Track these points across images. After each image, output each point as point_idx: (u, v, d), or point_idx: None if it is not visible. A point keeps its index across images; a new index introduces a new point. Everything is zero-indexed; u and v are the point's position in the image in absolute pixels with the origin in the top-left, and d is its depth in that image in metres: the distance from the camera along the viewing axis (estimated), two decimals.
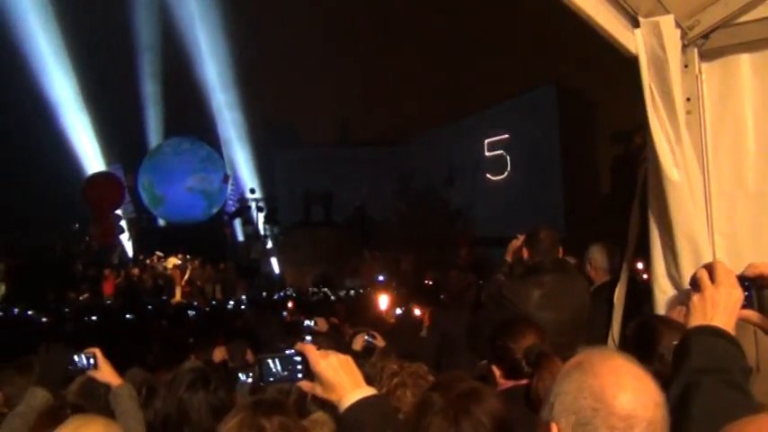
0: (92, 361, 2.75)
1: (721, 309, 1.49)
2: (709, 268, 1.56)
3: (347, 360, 1.56)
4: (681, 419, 1.33)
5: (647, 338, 2.43)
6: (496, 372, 2.52)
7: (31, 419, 2.39)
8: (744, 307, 1.54)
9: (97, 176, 23.58)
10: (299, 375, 1.54)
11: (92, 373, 2.77)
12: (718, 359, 1.42)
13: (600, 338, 3.57)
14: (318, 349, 1.60)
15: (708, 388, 1.37)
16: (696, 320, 1.50)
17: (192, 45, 25.66)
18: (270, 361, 1.55)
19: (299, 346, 1.56)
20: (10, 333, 9.78)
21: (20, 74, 21.81)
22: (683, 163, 2.77)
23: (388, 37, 23.74)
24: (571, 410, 1.17)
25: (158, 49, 25.35)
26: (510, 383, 2.47)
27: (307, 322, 5.50)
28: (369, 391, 1.54)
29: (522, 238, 3.96)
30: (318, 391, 1.53)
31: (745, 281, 1.57)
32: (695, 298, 1.53)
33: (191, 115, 26.81)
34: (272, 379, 1.55)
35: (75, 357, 2.75)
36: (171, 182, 26.31)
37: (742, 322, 1.58)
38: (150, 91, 26.02)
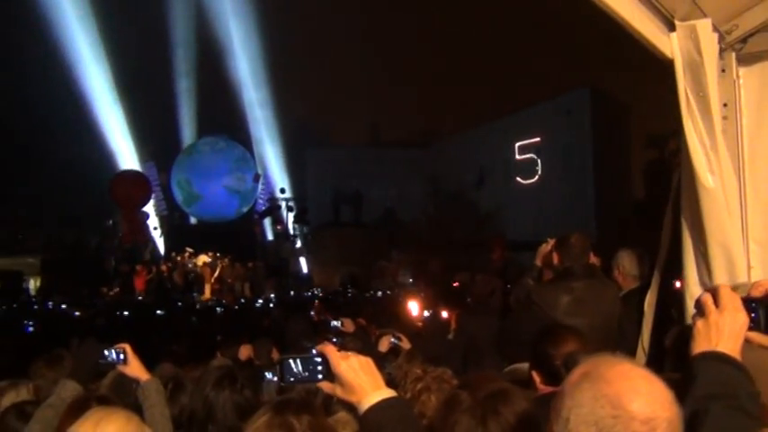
0: (121, 356, 2.80)
1: (726, 334, 1.46)
2: (714, 292, 1.52)
3: (367, 362, 1.57)
4: None
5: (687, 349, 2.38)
6: (536, 377, 2.50)
7: (61, 411, 2.43)
8: (751, 328, 1.51)
9: (124, 175, 24.00)
10: (320, 376, 1.54)
11: (121, 367, 2.81)
12: (724, 385, 1.40)
13: (629, 346, 3.52)
14: (341, 350, 1.60)
15: (716, 414, 1.35)
16: (701, 346, 1.48)
17: (226, 43, 25.93)
18: (291, 361, 1.56)
19: (320, 347, 1.57)
20: (44, 326, 9.97)
21: (57, 72, 22.26)
22: (718, 169, 2.71)
23: (421, 39, 23.73)
24: (590, 422, 1.15)
25: (192, 48, 25.66)
26: (549, 389, 2.44)
27: (333, 323, 5.52)
28: (388, 392, 1.54)
29: (551, 242, 3.91)
30: (339, 392, 1.53)
31: (752, 301, 1.53)
32: (699, 323, 1.50)
33: (223, 114, 27.09)
34: (292, 379, 1.55)
35: (106, 352, 2.80)
36: (209, 180, 26.63)
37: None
38: (183, 90, 26.35)
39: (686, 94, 2.76)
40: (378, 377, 1.55)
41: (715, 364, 1.43)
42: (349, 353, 1.57)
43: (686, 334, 2.75)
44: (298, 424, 1.53)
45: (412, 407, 2.34)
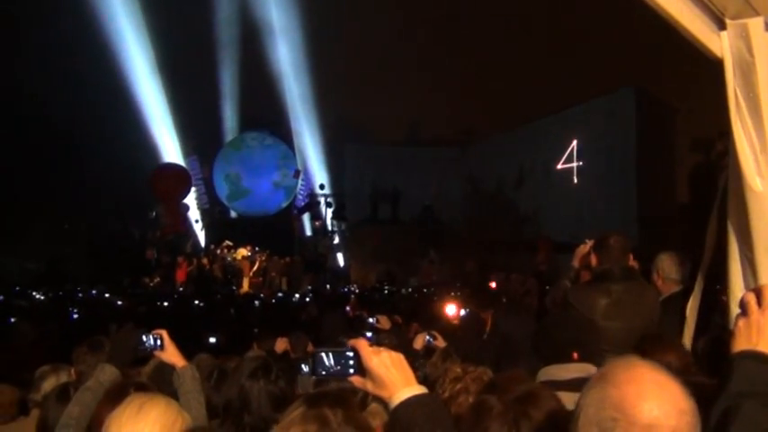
0: (158, 342, 2.85)
1: (767, 334, 1.44)
2: (758, 291, 1.49)
3: (399, 357, 1.57)
4: None
5: (722, 354, 2.33)
6: None
7: (99, 394, 2.50)
8: None
9: (164, 167, 24.44)
10: (351, 370, 1.55)
11: (158, 353, 2.87)
12: (760, 383, 1.38)
13: None
14: (372, 346, 1.60)
15: (747, 411, 1.33)
16: (741, 345, 1.46)
17: (268, 39, 26.18)
18: (323, 354, 1.57)
19: (352, 341, 1.57)
20: (88, 313, 10.23)
21: (102, 65, 22.76)
22: (767, 172, 2.63)
23: (463, 37, 23.59)
24: (593, 422, 1.16)
25: (235, 43, 25.97)
26: None
27: (369, 319, 5.54)
28: (419, 389, 1.54)
29: (589, 243, 3.85)
30: (369, 387, 1.54)
31: None
32: (741, 322, 1.48)
33: (264, 109, 27.36)
34: (324, 372, 1.57)
35: (144, 337, 2.86)
36: (259, 175, 27.01)
37: None
38: (226, 84, 26.69)
39: (735, 94, 2.69)
40: (409, 373, 1.55)
41: (753, 364, 1.42)
42: (381, 348, 1.57)
43: (719, 340, 2.71)
44: (333, 417, 1.54)
45: (448, 406, 2.33)
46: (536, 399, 1.71)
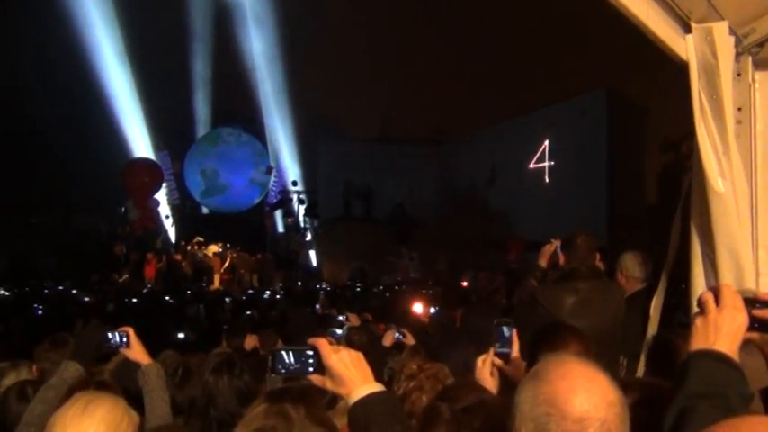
0: (124, 339, 2.82)
1: (724, 333, 1.46)
2: (716, 291, 1.52)
3: (358, 356, 1.58)
4: None
5: (667, 355, 2.38)
6: None
7: (63, 391, 2.45)
8: (754, 329, 1.51)
9: (136, 162, 24.10)
10: (311, 369, 1.56)
11: (123, 350, 2.84)
12: (715, 384, 1.39)
13: (631, 348, 3.51)
14: (344, 343, 1.61)
15: (702, 413, 1.34)
16: (698, 344, 1.48)
17: (241, 34, 25.98)
18: (284, 352, 1.57)
19: (312, 339, 1.58)
20: (53, 309, 10.06)
21: (72, 60, 22.38)
22: (729, 174, 2.68)
23: (436, 36, 23.66)
24: (529, 418, 1.20)
25: (207, 37, 25.72)
26: None
27: (339, 317, 5.54)
28: (377, 387, 1.55)
29: (555, 242, 3.92)
30: (329, 384, 1.55)
31: (758, 303, 1.53)
32: (698, 321, 1.50)
33: (237, 105, 27.17)
34: (283, 370, 1.57)
35: (109, 334, 2.82)
36: (237, 172, 26.74)
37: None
38: (198, 80, 26.43)
39: (700, 97, 2.74)
40: (368, 371, 1.56)
41: (709, 363, 1.44)
42: (340, 346, 1.58)
43: (663, 340, 2.76)
44: (294, 413, 1.53)
45: (403, 403, 2.33)
46: (483, 411, 1.72)
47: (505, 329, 2.40)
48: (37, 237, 22.47)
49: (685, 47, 2.76)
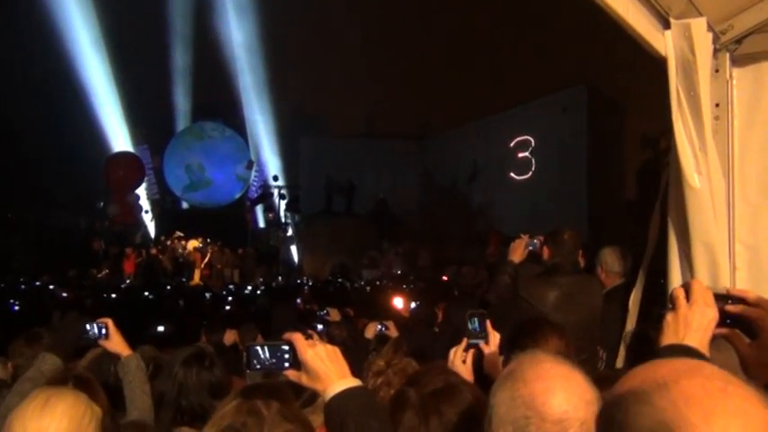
0: (103, 330, 2.79)
1: (694, 328, 1.48)
2: (687, 287, 1.53)
3: (334, 351, 1.57)
4: None
5: (646, 348, 2.39)
6: None
7: (40, 383, 2.41)
8: (726, 325, 1.53)
9: (118, 156, 23.84)
10: (287, 364, 1.54)
11: (102, 342, 2.80)
12: None
13: (611, 342, 3.54)
14: (324, 338, 1.60)
15: None
16: (668, 339, 1.50)
17: (222, 27, 25.77)
18: (258, 348, 1.55)
19: (287, 334, 1.56)
20: (30, 305, 9.93)
21: (49, 54, 22.07)
22: (705, 170, 2.70)
23: (419, 31, 23.65)
24: (507, 421, 1.18)
25: (187, 31, 25.47)
26: None
27: (320, 312, 5.52)
28: (353, 381, 1.54)
29: (525, 237, 3.93)
30: (304, 380, 1.54)
31: (729, 298, 1.55)
32: (669, 316, 1.52)
33: (217, 99, 26.97)
34: (258, 366, 1.55)
35: (88, 326, 2.78)
36: (223, 167, 26.42)
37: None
38: (178, 73, 26.17)
39: (678, 92, 2.75)
40: (344, 366, 1.55)
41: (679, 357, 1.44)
42: (316, 341, 1.57)
43: (643, 334, 2.78)
44: (266, 410, 1.52)
45: None
46: (451, 393, 1.71)
47: (477, 320, 2.41)
48: (14, 232, 22.17)
49: (664, 42, 2.77)
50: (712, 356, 1.47)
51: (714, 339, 1.52)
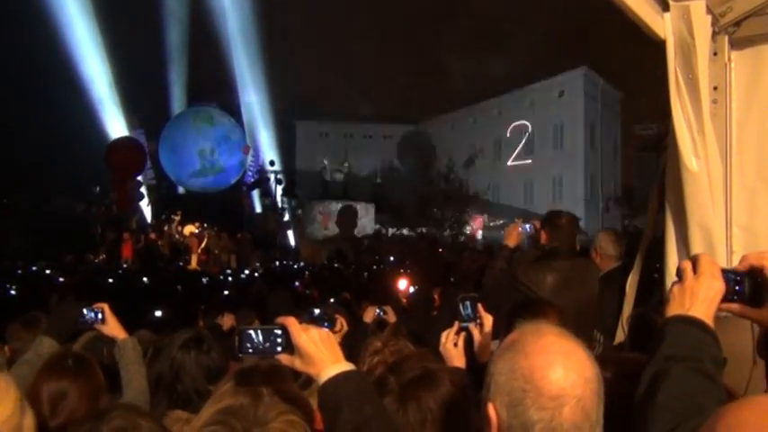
0: (99, 315, 2.79)
1: (699, 299, 1.49)
2: (694, 259, 1.54)
3: (328, 335, 1.56)
4: (647, 405, 1.35)
5: (646, 331, 2.40)
6: None
7: (37, 366, 2.42)
8: (735, 300, 1.53)
9: (120, 142, 23.68)
10: (279, 348, 1.53)
11: (99, 326, 2.81)
12: (689, 348, 1.42)
13: (606, 325, 3.55)
14: (321, 317, 1.59)
15: (676, 375, 1.37)
16: (674, 310, 1.50)
17: (218, 14, 25.57)
18: (252, 332, 1.54)
19: (281, 318, 1.55)
20: (26, 290, 9.92)
21: (44, 41, 21.90)
22: (703, 153, 2.70)
23: (415, 15, 23.52)
24: (504, 391, 1.19)
25: (182, 14, 25.28)
26: None
27: (316, 310, 5.52)
28: (347, 366, 1.53)
29: (519, 222, 3.94)
30: (298, 364, 1.52)
31: (737, 274, 1.55)
32: (675, 288, 1.53)
33: (213, 84, 26.82)
34: (251, 350, 1.53)
35: (85, 311, 2.79)
36: (233, 152, 26.19)
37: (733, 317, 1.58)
38: (173, 57, 25.99)
39: (676, 75, 2.74)
40: (337, 350, 1.55)
41: (684, 327, 1.46)
42: (310, 326, 1.56)
43: (646, 317, 2.79)
44: (264, 391, 1.52)
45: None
46: (430, 380, 1.72)
47: (469, 304, 2.42)
48: (10, 216, 22.12)
49: (663, 25, 2.75)
50: (722, 341, 1.47)
51: (721, 321, 1.53)
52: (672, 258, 2.89)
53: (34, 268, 14.11)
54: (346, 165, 25.64)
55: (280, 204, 26.08)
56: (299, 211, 26.00)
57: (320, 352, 1.51)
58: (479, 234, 18.85)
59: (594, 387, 1.18)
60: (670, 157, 2.87)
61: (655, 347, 1.44)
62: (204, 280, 12.90)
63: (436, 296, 6.14)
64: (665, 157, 3.02)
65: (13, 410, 1.77)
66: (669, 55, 2.75)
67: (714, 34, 2.87)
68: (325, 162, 25.91)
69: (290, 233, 25.65)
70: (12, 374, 2.52)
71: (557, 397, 1.15)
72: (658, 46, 2.81)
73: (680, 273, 1.54)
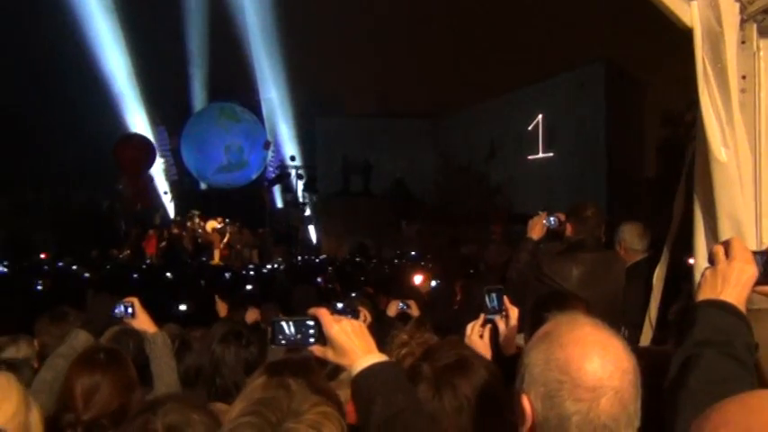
0: (129, 310, 2.83)
1: (732, 283, 1.47)
2: (726, 244, 1.52)
3: (360, 326, 1.56)
4: (678, 390, 1.35)
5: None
6: None
7: (72, 359, 2.45)
8: (767, 284, 1.52)
9: (126, 139, 23.81)
10: (312, 339, 1.53)
11: (129, 320, 2.85)
12: (721, 332, 1.41)
13: (632, 318, 3.52)
14: (346, 310, 1.59)
15: (707, 360, 1.36)
16: (705, 294, 1.49)
17: (238, 9, 25.64)
18: (284, 323, 1.54)
19: (313, 309, 1.55)
20: (53, 285, 10.07)
21: (67, 37, 22.15)
22: (732, 143, 2.66)
23: (435, 9, 23.42)
24: (540, 382, 1.17)
25: (203, 11, 25.38)
26: None
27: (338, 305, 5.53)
28: (380, 356, 1.53)
29: (543, 214, 3.90)
30: (330, 355, 1.53)
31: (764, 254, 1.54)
32: (707, 272, 1.52)
33: (234, 80, 26.91)
34: (283, 341, 1.54)
35: (116, 306, 2.84)
36: (258, 148, 26.23)
37: None
38: (194, 53, 26.10)
39: (704, 64, 2.70)
40: (370, 341, 1.54)
41: (715, 312, 1.45)
42: (342, 317, 1.56)
43: (686, 309, 2.76)
44: (294, 384, 1.53)
45: None
46: (465, 367, 1.71)
47: (494, 296, 2.42)
48: (34, 212, 22.47)
49: (690, 13, 2.72)
50: (755, 332, 1.46)
51: (754, 313, 1.51)
52: (701, 250, 2.86)
53: (61, 264, 14.31)
54: (367, 159, 25.63)
55: (301, 199, 26.16)
56: (320, 206, 26.06)
57: (352, 343, 1.51)
58: (500, 227, 18.75)
59: (632, 379, 1.16)
60: (698, 147, 2.83)
61: (685, 332, 1.43)
62: (227, 275, 12.99)
63: (457, 290, 6.14)
64: (693, 147, 2.99)
65: (18, 407, 1.80)
66: (696, 44, 2.71)
67: (742, 22, 2.83)
68: (346, 157, 25.92)
69: (312, 228, 25.74)
70: (47, 367, 2.58)
71: (594, 388, 1.13)
72: (684, 35, 2.78)
73: (712, 257, 1.53)
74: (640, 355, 1.34)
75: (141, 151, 23.36)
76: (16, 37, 20.69)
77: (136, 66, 24.54)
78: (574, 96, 21.29)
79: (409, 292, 6.22)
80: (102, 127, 23.10)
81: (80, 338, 2.69)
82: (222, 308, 5.33)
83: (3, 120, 21.05)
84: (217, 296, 5.78)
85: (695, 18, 2.71)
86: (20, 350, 3.33)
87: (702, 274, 1.53)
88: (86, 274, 11.92)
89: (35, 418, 1.87)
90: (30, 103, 21.67)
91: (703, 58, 2.70)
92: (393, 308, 4.15)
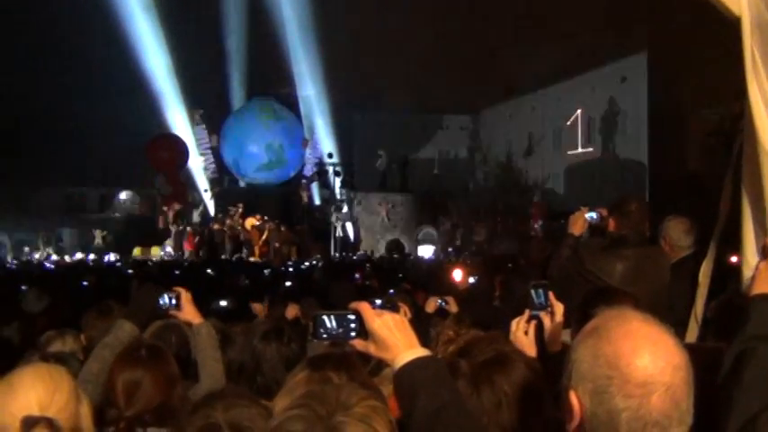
0: (174, 301, 2.82)
1: None
2: None
3: (402, 320, 1.53)
4: (732, 387, 1.32)
5: (731, 319, 2.32)
6: None
7: (117, 350, 2.48)
8: None
9: (159, 138, 24.14)
10: (353, 333, 1.52)
11: (174, 312, 2.84)
12: None
13: (677, 315, 3.44)
14: (386, 305, 1.58)
15: (762, 355, 1.33)
16: (760, 288, 1.47)
17: (276, 6, 25.79)
18: (325, 317, 1.53)
19: (354, 303, 1.54)
20: (99, 281, 10.31)
21: (108, 39, 22.59)
22: None
23: (472, 5, 23.21)
24: (588, 378, 1.15)
25: (241, 10, 25.60)
26: None
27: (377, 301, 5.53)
28: (422, 351, 1.51)
29: (584, 210, 3.83)
30: (372, 349, 1.51)
31: None
32: (761, 265, 1.48)
33: (272, 77, 27.10)
34: (325, 335, 1.54)
35: (161, 296, 2.84)
36: (296, 146, 26.43)
37: None
38: (233, 51, 26.36)
39: (753, 54, 2.62)
40: (412, 336, 1.52)
41: None
42: (383, 311, 1.55)
43: (729, 305, 2.69)
44: (337, 379, 1.52)
45: None
46: (504, 363, 1.69)
47: (541, 291, 2.39)
48: (80, 211, 23.07)
49: (739, 2, 2.64)
50: None
51: None
52: (749, 245, 2.77)
53: (106, 260, 14.66)
54: (404, 155, 25.62)
55: (338, 196, 26.29)
56: (358, 203, 26.14)
57: (394, 337, 1.49)
58: (539, 223, 18.56)
59: (684, 375, 1.13)
60: (747, 140, 2.75)
61: (740, 327, 1.40)
62: (266, 271, 13.14)
63: (496, 286, 6.08)
64: (741, 140, 2.90)
65: (68, 398, 1.83)
66: (745, 33, 2.63)
67: None
68: (383, 153, 25.92)
69: (349, 225, 25.86)
70: (93, 357, 2.61)
71: (644, 384, 1.10)
72: (728, 26, 2.70)
73: (764, 251, 1.49)
74: (692, 350, 1.31)
75: (173, 151, 23.69)
76: (58, 38, 21.19)
77: (176, 66, 24.90)
78: (615, 90, 20.94)
79: (448, 289, 6.19)
80: (144, 127, 23.54)
81: (125, 329, 2.70)
82: (258, 309, 5.36)
83: (48, 119, 21.63)
84: (251, 301, 5.79)
85: (744, 7, 2.63)
86: (66, 344, 3.42)
87: (756, 267, 1.49)
88: (130, 271, 12.18)
89: (85, 410, 1.90)
90: (71, 105, 22.18)
91: (752, 48, 2.62)
92: (431, 304, 4.14)
